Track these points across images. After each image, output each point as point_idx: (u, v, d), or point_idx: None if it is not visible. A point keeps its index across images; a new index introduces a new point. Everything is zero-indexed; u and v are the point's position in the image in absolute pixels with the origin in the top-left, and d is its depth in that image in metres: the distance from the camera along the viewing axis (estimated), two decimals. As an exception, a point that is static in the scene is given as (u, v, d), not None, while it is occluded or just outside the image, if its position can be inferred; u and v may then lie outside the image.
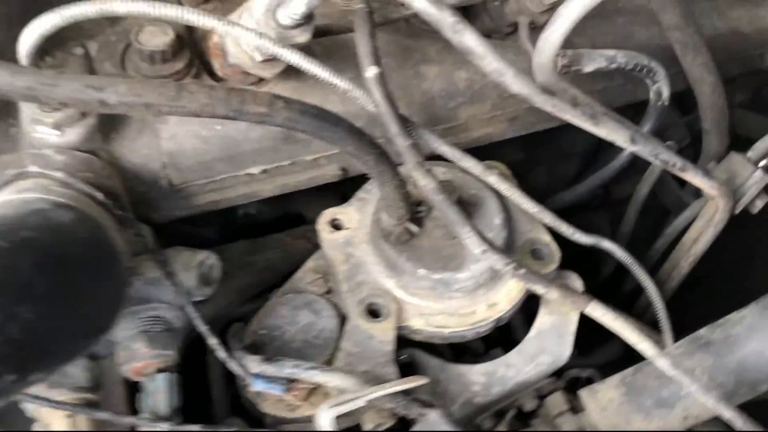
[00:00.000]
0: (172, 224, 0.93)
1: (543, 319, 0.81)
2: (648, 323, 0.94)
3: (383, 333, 0.74)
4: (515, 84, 0.60)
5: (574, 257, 1.06)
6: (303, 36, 0.70)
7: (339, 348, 0.74)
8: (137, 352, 0.66)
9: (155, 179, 0.76)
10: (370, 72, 0.66)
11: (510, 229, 0.81)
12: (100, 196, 0.63)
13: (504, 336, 0.92)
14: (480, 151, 0.93)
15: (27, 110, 0.68)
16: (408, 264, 0.75)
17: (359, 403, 0.63)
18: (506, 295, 0.78)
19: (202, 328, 0.68)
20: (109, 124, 0.73)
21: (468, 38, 0.57)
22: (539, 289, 0.71)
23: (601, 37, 0.92)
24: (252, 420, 0.79)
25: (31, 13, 0.65)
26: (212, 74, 0.80)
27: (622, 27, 0.94)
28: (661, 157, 0.79)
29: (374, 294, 0.76)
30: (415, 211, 0.75)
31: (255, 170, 0.81)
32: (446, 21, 0.57)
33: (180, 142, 0.76)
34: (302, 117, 0.60)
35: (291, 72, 0.80)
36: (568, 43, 0.91)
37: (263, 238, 0.98)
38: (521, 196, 0.81)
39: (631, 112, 0.92)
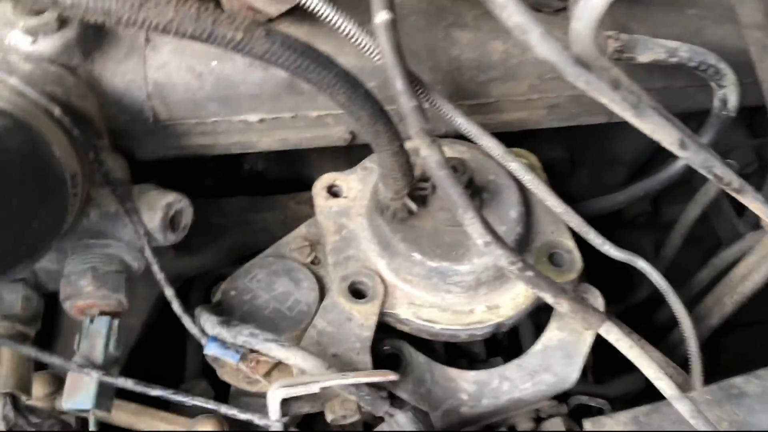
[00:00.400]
0: (168, 167, 0.86)
1: (551, 334, 0.70)
2: (678, 362, 0.83)
3: (364, 316, 0.65)
4: (541, 46, 0.50)
5: (604, 275, 0.95)
6: (314, -32, 0.61)
7: (313, 324, 0.65)
8: (82, 289, 0.58)
9: (139, 110, 0.68)
10: (380, 17, 0.57)
11: (527, 225, 0.71)
12: (57, 111, 0.56)
13: (514, 346, 0.82)
14: (514, 140, 0.83)
15: (2, 12, 0.62)
16: (402, 245, 0.66)
17: (313, 388, 0.54)
18: (512, 300, 0.68)
19: (159, 275, 0.61)
20: (93, 42, 0.66)
21: (489, -18, 0.48)
22: (547, 297, 0.61)
23: (666, 27, 0.80)
24: (220, 386, 0.72)
25: None
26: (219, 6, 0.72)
27: (692, 20, 0.81)
28: (714, 171, 0.67)
29: (361, 272, 0.67)
30: (419, 187, 0.66)
31: (252, 118, 0.73)
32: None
33: (170, 73, 0.68)
34: (284, 51, 0.51)
35: (305, 16, 0.72)
36: (626, 28, 0.81)
37: (264, 198, 0.90)
38: (547, 191, 0.71)
39: (695, 123, 0.80)
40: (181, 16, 0.49)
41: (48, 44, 0.62)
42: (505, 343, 0.84)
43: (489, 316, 0.67)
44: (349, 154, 0.84)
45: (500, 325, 0.67)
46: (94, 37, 0.66)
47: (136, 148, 0.72)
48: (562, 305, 0.60)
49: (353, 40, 0.62)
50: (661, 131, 0.61)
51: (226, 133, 0.74)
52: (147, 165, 0.78)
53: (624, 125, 0.61)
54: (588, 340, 0.69)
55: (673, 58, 0.74)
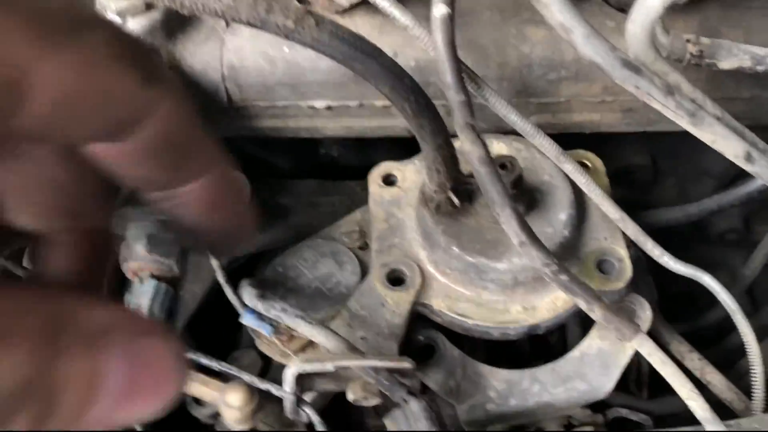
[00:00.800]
0: (246, 146, 0.91)
1: (591, 342, 0.69)
2: (745, 391, 0.79)
3: (397, 304, 0.67)
4: (585, 46, 0.49)
5: (676, 295, 0.92)
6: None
7: (347, 306, 0.68)
8: (135, 252, 0.64)
9: (214, 91, 0.73)
10: (439, 11, 0.58)
11: (577, 230, 0.69)
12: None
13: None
14: (593, 143, 0.81)
15: (101, -5, 0.68)
16: (443, 238, 0.67)
17: (328, 366, 0.57)
18: (550, 303, 0.67)
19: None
20: (177, 24, 0.71)
21: (531, -22, 0.48)
22: (581, 303, 0.60)
23: (761, 34, 0.76)
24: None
25: None
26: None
27: (793, 27, 0.76)
28: (788, 187, 0.63)
29: (401, 261, 0.69)
30: (465, 182, 0.66)
31: (319, 104, 0.76)
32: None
33: (244, 57, 0.73)
34: (331, 40, 0.53)
35: (378, 9, 0.74)
36: (717, 32, 0.77)
37: (334, 182, 0.94)
38: (603, 196, 0.69)
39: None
40: (237, 3, 0.53)
41: (135, 25, 0.68)
42: (556, 347, 0.83)
43: (524, 316, 0.66)
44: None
45: (535, 327, 0.67)
46: (178, 20, 0.71)
47: (210, 127, 0.77)
48: (595, 312, 0.59)
49: (412, 34, 0.63)
50: (723, 142, 0.59)
51: (294, 117, 0.77)
52: (227, 143, 0.83)
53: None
54: (629, 352, 0.67)
55: (760, 66, 0.70)
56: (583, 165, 0.75)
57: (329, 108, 0.76)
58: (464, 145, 0.58)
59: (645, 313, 0.69)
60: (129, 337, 0.24)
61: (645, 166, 0.99)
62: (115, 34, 0.25)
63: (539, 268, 0.59)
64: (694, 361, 0.80)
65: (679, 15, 0.76)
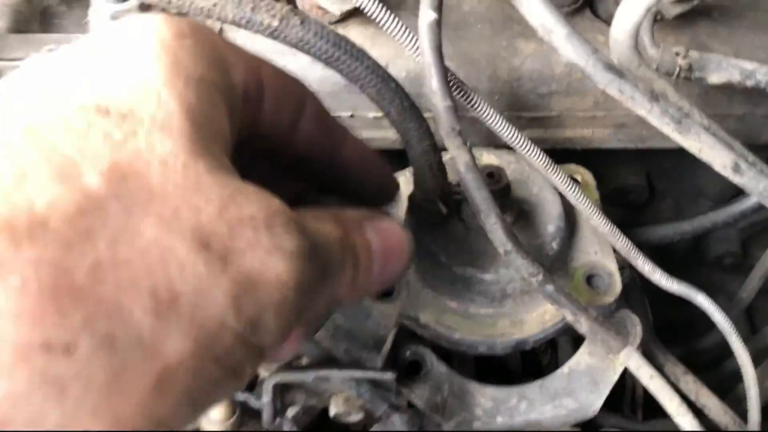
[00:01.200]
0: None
1: (580, 358, 0.67)
2: (742, 415, 0.77)
3: (383, 316, 0.65)
4: (566, 47, 0.49)
5: (674, 320, 0.90)
6: (368, -32, 0.63)
7: (331, 317, 0.66)
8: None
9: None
10: (426, 17, 0.58)
11: (566, 243, 0.68)
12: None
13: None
14: (588, 159, 0.81)
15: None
16: (433, 247, 0.66)
17: (308, 377, 0.56)
18: (539, 317, 0.66)
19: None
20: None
21: (513, -22, 0.47)
22: (567, 314, 0.58)
23: (751, 50, 0.76)
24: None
25: None
26: (292, 3, 0.76)
27: (786, 44, 0.76)
28: (779, 200, 0.62)
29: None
30: (453, 191, 0.66)
31: (311, 112, 0.76)
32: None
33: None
34: (316, 40, 0.53)
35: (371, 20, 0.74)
36: (706, 47, 0.77)
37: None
38: (591, 209, 0.68)
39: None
40: (223, 2, 0.53)
41: (126, 30, 0.68)
42: (548, 364, 0.81)
43: (511, 330, 0.65)
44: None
45: (523, 341, 0.66)
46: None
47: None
48: (581, 324, 0.58)
49: (400, 41, 0.63)
50: (710, 151, 0.58)
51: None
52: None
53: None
54: (618, 369, 0.65)
55: (749, 81, 0.69)
56: (574, 179, 0.75)
57: (320, 118, 0.76)
58: (450, 150, 0.58)
59: (635, 328, 0.68)
60: (373, 222, 0.36)
61: (640, 186, 0.98)
62: None
63: (525, 277, 0.58)
64: (689, 383, 0.78)
65: (670, 30, 0.77)
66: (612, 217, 0.84)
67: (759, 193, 0.61)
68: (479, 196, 0.57)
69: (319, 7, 0.72)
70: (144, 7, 0.66)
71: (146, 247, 0.24)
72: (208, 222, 0.25)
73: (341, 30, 0.74)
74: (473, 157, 0.58)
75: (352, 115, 0.76)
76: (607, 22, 0.77)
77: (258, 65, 0.35)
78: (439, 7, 0.60)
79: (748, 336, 1.13)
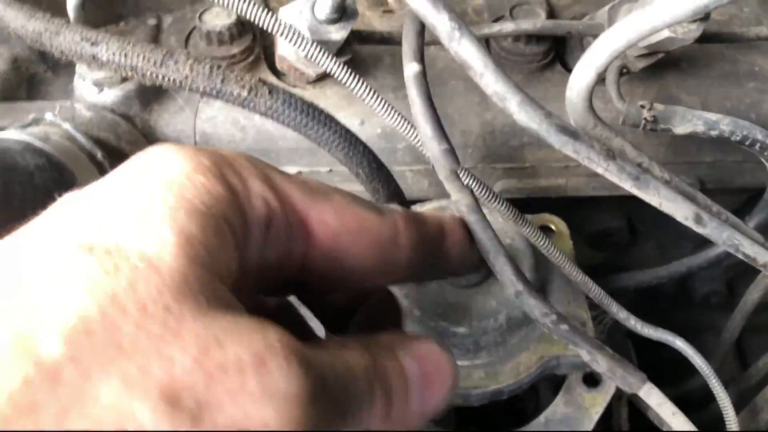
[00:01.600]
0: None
1: (556, 408, 0.68)
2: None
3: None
4: (520, 114, 0.51)
5: (663, 360, 0.91)
6: (339, 33, 0.66)
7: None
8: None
9: (187, 157, 0.76)
10: (410, 69, 0.60)
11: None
12: (99, 155, 0.64)
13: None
14: (567, 207, 0.82)
15: (78, 66, 0.71)
16: (406, 302, 0.67)
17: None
18: (513, 368, 0.67)
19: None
20: (153, 95, 0.74)
21: (466, 48, 0.50)
22: (583, 353, 0.58)
23: (718, 100, 0.78)
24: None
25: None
26: (272, 66, 0.79)
27: (750, 93, 0.78)
28: (743, 250, 0.63)
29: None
30: (426, 244, 0.67)
31: (291, 170, 0.78)
32: (444, 25, 0.50)
33: (216, 125, 0.75)
34: (285, 109, 0.56)
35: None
36: (675, 98, 0.79)
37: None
38: (563, 258, 0.70)
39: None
40: (195, 73, 0.55)
41: (111, 95, 0.71)
42: (531, 413, 0.82)
43: (486, 381, 0.66)
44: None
45: (498, 392, 0.66)
46: (154, 91, 0.74)
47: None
48: (599, 363, 0.57)
49: (369, 104, 0.65)
50: (670, 204, 0.60)
51: (266, 182, 0.79)
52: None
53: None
54: (594, 417, 0.66)
55: (713, 131, 0.71)
56: (548, 228, 0.76)
57: (300, 173, 0.79)
58: (452, 194, 0.58)
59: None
60: (409, 345, 0.33)
61: (622, 229, 1.00)
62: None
63: (537, 318, 0.58)
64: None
65: (639, 83, 0.79)
66: (595, 260, 0.85)
67: (723, 242, 0.63)
68: (485, 237, 0.57)
69: (296, 69, 0.74)
70: (124, 79, 0.69)
71: (100, 414, 0.22)
72: (182, 374, 0.23)
73: (318, 90, 0.77)
74: (476, 199, 0.58)
75: (330, 170, 0.78)
76: (577, 75, 0.80)
77: (305, 208, 0.33)
78: (421, 59, 0.62)
79: (739, 373, 1.14)
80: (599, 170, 0.56)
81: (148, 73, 0.56)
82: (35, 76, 0.75)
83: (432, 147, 0.58)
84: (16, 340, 0.22)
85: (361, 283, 0.38)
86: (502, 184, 0.81)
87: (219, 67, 0.56)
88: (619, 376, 0.59)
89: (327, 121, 0.57)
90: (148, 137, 0.74)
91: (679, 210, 0.60)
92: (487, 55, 0.50)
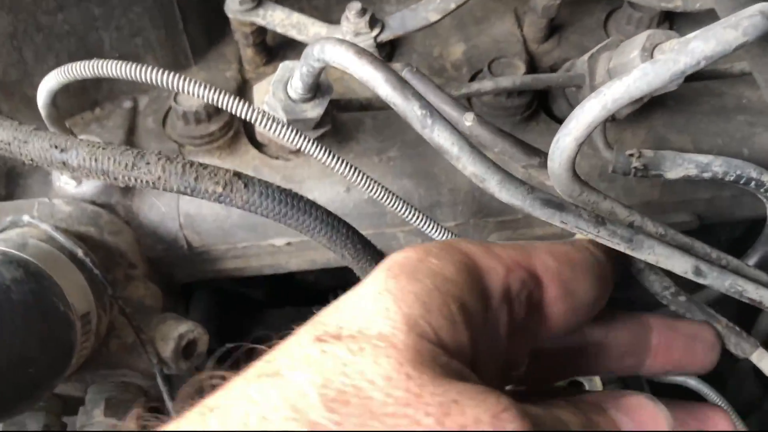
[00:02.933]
0: (219, 281, 0.92)
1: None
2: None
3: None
4: (501, 192, 0.50)
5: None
6: (314, 111, 0.65)
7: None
8: (94, 418, 0.63)
9: (174, 239, 0.75)
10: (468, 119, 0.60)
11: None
12: (80, 252, 0.63)
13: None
14: None
15: (56, 159, 0.70)
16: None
17: None
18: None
19: (168, 403, 0.65)
20: (133, 180, 0.73)
21: (439, 134, 0.48)
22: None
23: (709, 137, 0.76)
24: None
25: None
26: (253, 138, 0.78)
27: (740, 127, 0.77)
28: (748, 295, 0.62)
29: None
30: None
31: (279, 242, 0.77)
32: (414, 113, 0.48)
33: (199, 204, 0.74)
34: (262, 200, 0.54)
35: (332, 140, 0.76)
36: (665, 140, 0.78)
37: (311, 309, 0.93)
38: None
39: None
40: (167, 174, 0.54)
41: (90, 186, 0.70)
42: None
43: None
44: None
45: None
46: (133, 176, 0.73)
47: (174, 273, 0.78)
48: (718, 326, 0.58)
49: (345, 177, 0.63)
50: (667, 261, 0.58)
51: (256, 256, 0.78)
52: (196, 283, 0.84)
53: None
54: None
55: (705, 173, 0.69)
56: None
57: (289, 244, 0.77)
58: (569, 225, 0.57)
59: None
60: (618, 401, 0.36)
61: (622, 265, 0.98)
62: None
63: (658, 291, 0.58)
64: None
65: (627, 124, 0.77)
66: None
67: (726, 290, 0.61)
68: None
69: (277, 142, 0.73)
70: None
71: None
72: None
73: (301, 158, 0.76)
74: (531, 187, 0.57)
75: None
76: (562, 122, 0.78)
77: (528, 262, 0.36)
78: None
79: (761, 394, 1.12)
80: (590, 236, 0.55)
81: (120, 176, 0.54)
82: (13, 170, 0.74)
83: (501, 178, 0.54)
84: (293, 407, 0.26)
85: (590, 315, 0.41)
86: (497, 237, 0.80)
87: (192, 164, 0.54)
88: (732, 342, 0.59)
89: (306, 208, 0.56)
90: (132, 223, 0.73)
91: (677, 265, 0.59)
92: (461, 138, 0.49)
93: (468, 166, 0.49)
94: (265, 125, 0.58)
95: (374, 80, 0.48)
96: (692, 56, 0.49)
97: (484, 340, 0.32)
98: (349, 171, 0.61)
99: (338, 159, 0.61)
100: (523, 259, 0.36)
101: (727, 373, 1.02)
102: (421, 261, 0.32)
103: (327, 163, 0.62)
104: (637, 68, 0.49)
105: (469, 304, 0.32)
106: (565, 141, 0.50)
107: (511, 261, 0.35)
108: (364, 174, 0.62)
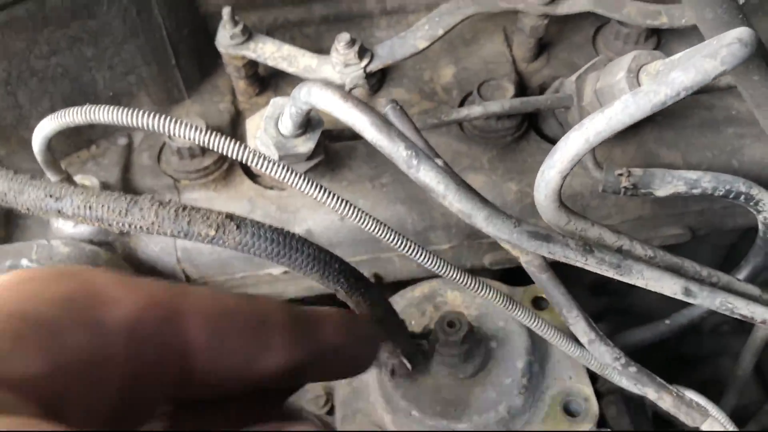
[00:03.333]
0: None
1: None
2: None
3: (366, 475, 0.66)
4: (489, 227, 0.51)
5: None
6: (305, 146, 0.66)
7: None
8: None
9: (172, 273, 0.76)
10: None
11: (539, 374, 0.69)
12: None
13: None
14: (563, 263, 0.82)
15: (53, 199, 0.71)
16: (403, 402, 0.66)
17: None
18: (521, 455, 0.66)
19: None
20: (130, 216, 0.74)
21: (424, 174, 0.49)
22: (649, 393, 0.63)
23: (699, 151, 0.77)
24: None
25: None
26: (247, 169, 0.79)
27: (730, 139, 0.77)
28: (739, 311, 0.63)
29: (368, 429, 0.68)
30: (416, 344, 0.67)
31: (275, 271, 0.78)
32: (400, 155, 0.49)
33: (196, 238, 0.75)
34: (254, 241, 0.55)
35: (326, 169, 0.77)
36: (654, 155, 0.78)
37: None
38: (558, 335, 0.69)
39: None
40: (161, 219, 0.55)
41: (87, 226, 0.71)
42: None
43: (496, 473, 0.65)
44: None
45: (510, 481, 0.66)
46: (131, 212, 0.74)
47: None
48: (664, 401, 0.62)
49: (334, 209, 0.64)
50: (656, 284, 0.59)
51: (255, 285, 0.79)
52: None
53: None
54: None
55: (695, 189, 0.70)
56: (541, 299, 0.75)
57: (286, 272, 0.78)
58: (521, 257, 0.57)
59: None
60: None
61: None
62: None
63: (609, 363, 0.61)
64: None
65: (616, 141, 0.78)
66: (598, 306, 0.83)
67: (717, 308, 0.62)
68: (557, 293, 0.60)
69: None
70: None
71: None
72: None
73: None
74: (544, 258, 0.58)
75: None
76: (553, 141, 0.79)
77: (175, 303, 0.30)
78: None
79: (762, 397, 1.12)
80: (578, 264, 0.56)
81: (114, 222, 0.55)
82: (12, 211, 0.75)
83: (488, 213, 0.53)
84: None
85: (246, 376, 0.33)
86: (491, 257, 0.80)
87: (185, 209, 0.55)
88: (683, 412, 0.63)
89: (299, 245, 0.57)
90: (130, 260, 0.74)
91: (666, 287, 0.59)
92: (447, 176, 0.49)
93: (454, 203, 0.49)
94: (256, 163, 0.60)
95: (360, 124, 0.49)
96: (672, 87, 0.50)
97: (83, 374, 0.28)
98: (339, 204, 0.62)
99: (328, 193, 0.62)
100: (168, 299, 0.30)
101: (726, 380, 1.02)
102: (18, 283, 0.28)
103: (318, 198, 0.62)
104: (618, 101, 0.50)
105: (65, 332, 0.27)
106: (549, 174, 0.51)
107: (150, 298, 0.30)
108: (353, 206, 0.63)
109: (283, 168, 0.60)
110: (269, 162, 0.60)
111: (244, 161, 0.59)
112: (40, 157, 0.67)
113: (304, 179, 0.60)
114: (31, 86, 0.70)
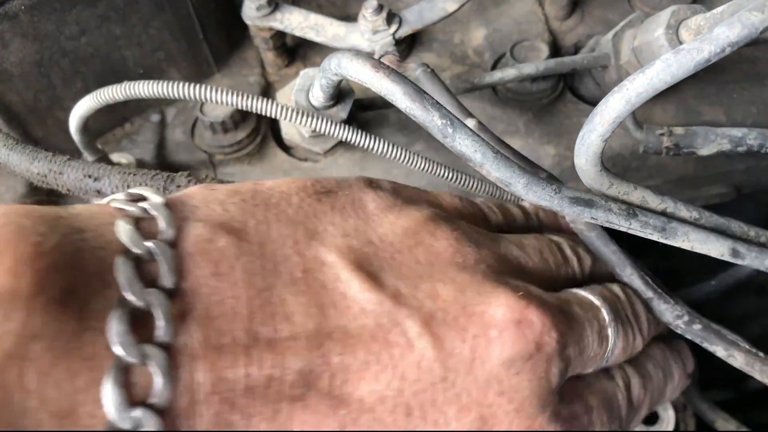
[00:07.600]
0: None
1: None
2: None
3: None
4: (528, 195, 0.49)
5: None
6: (338, 117, 0.65)
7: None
8: None
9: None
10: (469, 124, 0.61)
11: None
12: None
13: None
14: None
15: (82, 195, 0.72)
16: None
17: None
18: None
19: None
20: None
21: (461, 142, 0.48)
22: (719, 350, 0.58)
23: (742, 107, 0.74)
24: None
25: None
26: (281, 142, 0.78)
27: (776, 93, 0.74)
28: (788, 273, 0.61)
29: None
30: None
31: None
32: (435, 124, 0.48)
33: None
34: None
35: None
36: (696, 112, 0.76)
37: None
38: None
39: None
40: (198, 195, 0.55)
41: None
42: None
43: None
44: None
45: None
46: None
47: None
48: (736, 359, 0.58)
49: (392, 158, 0.63)
50: (702, 246, 0.57)
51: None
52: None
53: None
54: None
55: (740, 147, 0.68)
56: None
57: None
58: (567, 215, 0.56)
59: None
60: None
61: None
62: None
63: (670, 321, 0.58)
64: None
65: (656, 101, 0.76)
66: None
67: (766, 268, 0.60)
68: (609, 251, 0.57)
69: (306, 148, 0.74)
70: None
71: None
72: None
73: (330, 159, 0.76)
74: (558, 187, 0.57)
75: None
76: (590, 102, 0.77)
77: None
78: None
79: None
80: (622, 229, 0.54)
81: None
82: (53, 192, 0.76)
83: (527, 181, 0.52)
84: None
85: None
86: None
87: (221, 183, 0.55)
88: (757, 369, 0.58)
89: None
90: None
91: (713, 248, 0.58)
92: (484, 145, 0.48)
93: (492, 171, 0.48)
94: (296, 120, 0.59)
95: (392, 94, 0.48)
96: (716, 44, 0.48)
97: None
98: (390, 149, 0.61)
99: (378, 139, 0.61)
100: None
101: None
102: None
103: (365, 145, 0.61)
104: (659, 60, 0.48)
105: None
106: (590, 137, 0.50)
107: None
108: (404, 149, 0.62)
109: (323, 120, 0.60)
110: (309, 117, 0.59)
111: (283, 118, 0.59)
112: (77, 137, 0.68)
113: (350, 129, 0.60)
114: (63, 67, 0.70)
